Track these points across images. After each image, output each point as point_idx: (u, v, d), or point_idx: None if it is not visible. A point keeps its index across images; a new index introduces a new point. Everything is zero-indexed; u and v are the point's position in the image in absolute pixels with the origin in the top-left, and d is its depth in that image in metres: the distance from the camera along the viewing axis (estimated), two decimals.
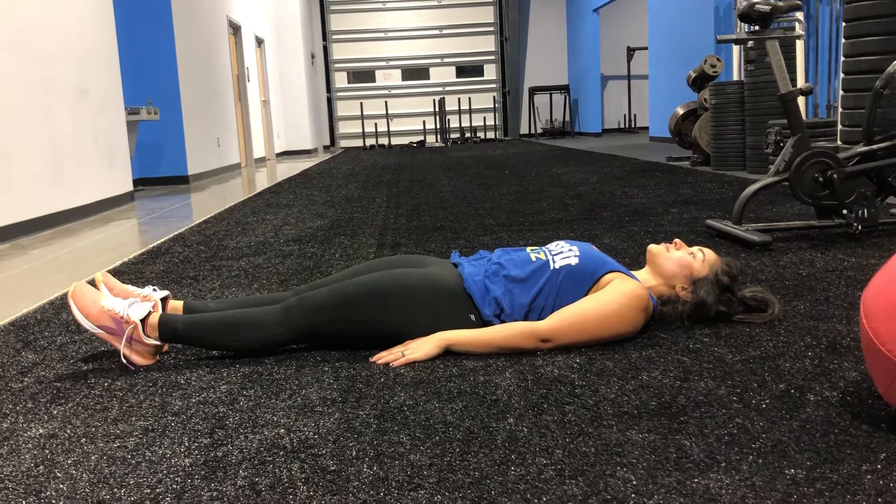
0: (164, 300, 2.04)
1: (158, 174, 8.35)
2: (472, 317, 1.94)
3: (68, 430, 1.55)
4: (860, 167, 3.19)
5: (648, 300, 1.94)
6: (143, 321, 1.90)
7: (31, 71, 5.02)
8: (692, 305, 2.02)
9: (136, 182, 8.00)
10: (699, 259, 2.03)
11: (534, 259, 2.01)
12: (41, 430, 1.56)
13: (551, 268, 1.97)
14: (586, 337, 1.89)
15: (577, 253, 2.00)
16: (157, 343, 1.93)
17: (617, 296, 1.89)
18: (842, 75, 4.39)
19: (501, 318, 1.94)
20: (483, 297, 1.94)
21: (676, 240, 2.08)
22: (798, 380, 1.64)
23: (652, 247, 2.09)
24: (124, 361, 1.92)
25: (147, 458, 1.41)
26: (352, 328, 1.93)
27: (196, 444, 1.45)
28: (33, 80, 5.04)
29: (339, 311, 1.92)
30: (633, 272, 2.04)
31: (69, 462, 1.40)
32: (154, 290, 2.06)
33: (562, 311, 1.90)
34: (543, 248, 2.09)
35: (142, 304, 1.93)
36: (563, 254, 2.01)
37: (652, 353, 1.86)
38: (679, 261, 2.03)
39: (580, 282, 1.95)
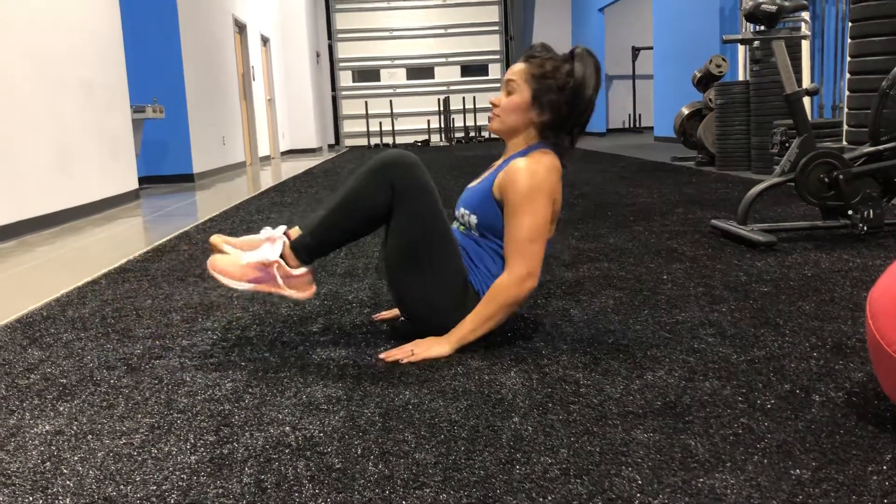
0: (285, 234, 2.02)
1: (164, 172, 8.36)
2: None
3: (74, 427, 1.56)
4: (866, 168, 3.19)
5: (545, 164, 1.90)
6: (281, 257, 1.92)
7: (38, 68, 5.03)
8: (556, 108, 1.93)
9: (142, 180, 8.02)
10: (514, 90, 1.96)
11: (468, 236, 2.01)
12: (47, 427, 1.57)
13: (479, 240, 1.98)
14: (543, 241, 1.91)
15: (470, 210, 1.99)
16: (305, 270, 1.95)
17: (529, 194, 1.87)
18: (848, 75, 4.38)
19: None
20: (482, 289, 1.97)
21: (491, 101, 2.03)
22: (803, 380, 1.63)
23: (491, 125, 2.03)
24: (291, 294, 1.94)
25: (153, 455, 1.41)
26: (409, 215, 1.89)
27: (202, 442, 1.45)
28: (40, 77, 5.05)
29: (413, 190, 1.88)
30: (511, 158, 1.97)
31: (75, 459, 1.41)
32: (268, 229, 2.03)
33: (510, 248, 1.90)
34: (460, 221, 2.07)
35: (272, 245, 1.94)
36: (471, 223, 2.00)
37: (657, 352, 1.86)
38: (509, 110, 1.97)
39: (493, 219, 1.94)
